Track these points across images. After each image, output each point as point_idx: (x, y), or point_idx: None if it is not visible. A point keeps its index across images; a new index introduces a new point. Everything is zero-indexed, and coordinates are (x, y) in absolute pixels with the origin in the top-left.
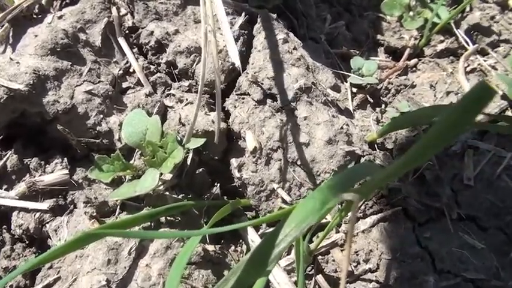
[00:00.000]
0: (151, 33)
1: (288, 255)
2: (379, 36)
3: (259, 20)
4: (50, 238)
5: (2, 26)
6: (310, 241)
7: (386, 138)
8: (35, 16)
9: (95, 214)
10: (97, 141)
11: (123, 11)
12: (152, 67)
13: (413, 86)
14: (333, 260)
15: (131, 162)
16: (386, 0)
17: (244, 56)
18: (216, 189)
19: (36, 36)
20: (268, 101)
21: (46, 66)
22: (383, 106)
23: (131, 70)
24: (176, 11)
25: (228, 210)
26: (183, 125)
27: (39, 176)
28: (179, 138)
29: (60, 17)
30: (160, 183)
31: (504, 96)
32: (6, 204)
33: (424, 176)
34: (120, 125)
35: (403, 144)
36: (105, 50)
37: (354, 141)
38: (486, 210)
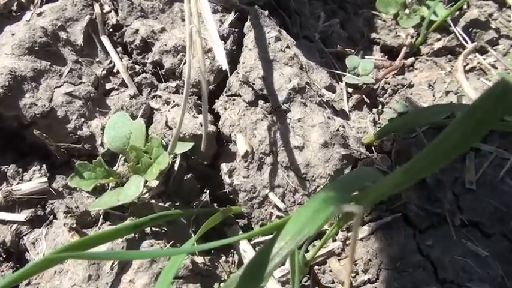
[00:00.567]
0: (136, 31)
1: (282, 265)
2: (374, 35)
3: (250, 17)
4: (28, 252)
5: None
6: (306, 250)
7: (383, 140)
8: (13, 14)
9: (74, 226)
10: (78, 146)
11: (106, 8)
12: (137, 67)
13: (411, 86)
14: (330, 270)
15: (114, 168)
16: None
17: (235, 55)
18: (205, 197)
19: (13, 34)
20: (260, 102)
21: (23, 67)
22: (380, 107)
23: (115, 70)
24: (163, 8)
25: (218, 219)
26: (170, 128)
27: (17, 184)
28: (165, 143)
29: (39, 14)
30: (145, 190)
31: None
32: None
33: (424, 180)
34: (103, 129)
35: (402, 146)
36: (87, 49)
37: (350, 143)
38: (489, 216)
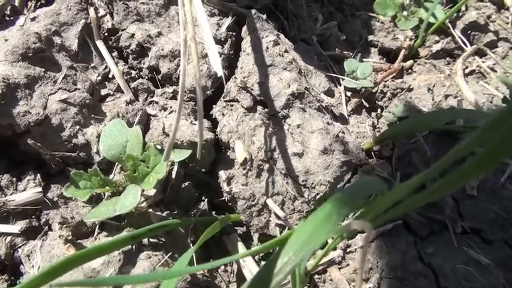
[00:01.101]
0: (132, 35)
1: None
2: (372, 37)
3: (247, 20)
4: (23, 264)
5: None
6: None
7: (383, 145)
8: (7, 18)
9: (70, 238)
10: (73, 154)
11: (101, 12)
12: (133, 72)
13: (410, 90)
14: (331, 280)
15: (110, 177)
16: None
17: (233, 60)
18: (204, 205)
19: (6, 40)
20: (259, 108)
21: (17, 74)
22: (379, 111)
23: (110, 76)
24: (159, 11)
25: (216, 229)
26: (167, 135)
27: (11, 194)
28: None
29: (33, 19)
30: (142, 199)
31: (505, 100)
32: None
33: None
34: (98, 136)
35: (402, 152)
36: (82, 54)
37: (350, 149)
38: (490, 222)
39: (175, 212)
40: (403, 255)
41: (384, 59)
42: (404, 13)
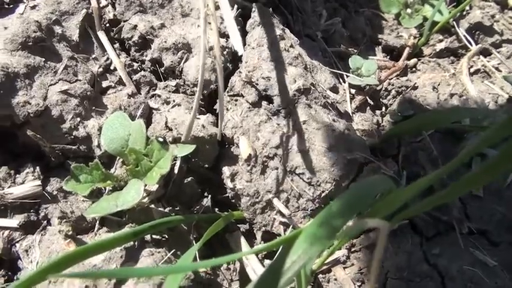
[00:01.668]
0: (135, 27)
1: None
2: (376, 35)
3: (253, 14)
4: (21, 259)
5: None
6: None
7: (388, 143)
8: (6, 6)
9: (70, 233)
10: (73, 147)
11: (103, 2)
12: (135, 64)
13: (414, 88)
14: (335, 279)
15: (112, 171)
16: None
17: (236, 54)
18: (207, 201)
19: (6, 28)
20: (264, 103)
21: (16, 63)
22: (383, 108)
23: (112, 68)
24: (162, 3)
25: (220, 226)
26: (170, 129)
27: (8, 187)
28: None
29: (33, 7)
30: (144, 194)
31: (510, 99)
32: None
33: (431, 187)
34: (100, 129)
35: (408, 150)
36: (83, 45)
37: (356, 147)
38: (497, 223)
39: (178, 208)
40: (409, 256)
41: (388, 56)
42: (409, 11)
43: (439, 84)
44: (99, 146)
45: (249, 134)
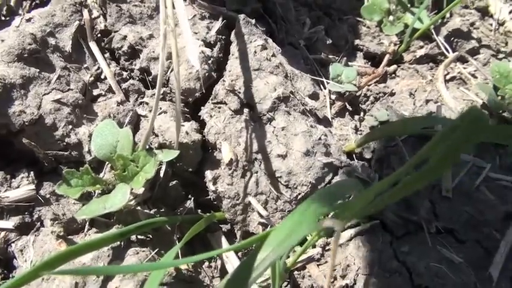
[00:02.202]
0: (124, 37)
1: None
2: (358, 41)
3: (237, 25)
4: (16, 259)
5: None
6: (287, 256)
7: (364, 147)
8: (2, 18)
9: (62, 234)
10: (65, 153)
11: (95, 14)
12: (125, 73)
13: (392, 94)
14: (309, 276)
15: (101, 175)
16: (366, 4)
17: (221, 62)
18: (190, 203)
19: (2, 41)
20: (245, 110)
21: (12, 74)
22: (361, 114)
23: (103, 76)
24: (151, 14)
25: (201, 226)
26: (156, 135)
27: (5, 191)
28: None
29: (28, 20)
30: (131, 197)
31: (484, 106)
32: None
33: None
34: (90, 136)
35: (381, 155)
36: (76, 55)
37: (332, 151)
38: (464, 223)
39: (163, 209)
40: (380, 253)
41: (369, 63)
42: (391, 18)
43: (415, 91)
44: (89, 151)
45: (231, 140)
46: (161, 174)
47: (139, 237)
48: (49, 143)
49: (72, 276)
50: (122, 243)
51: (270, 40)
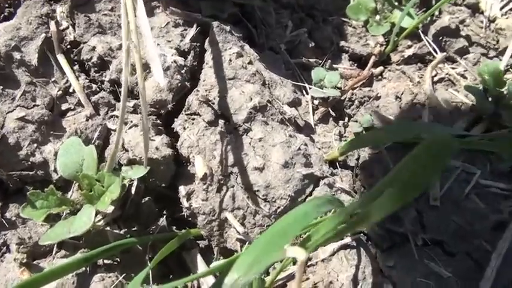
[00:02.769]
0: (93, 48)
1: None
2: (343, 43)
3: (211, 32)
4: None
5: None
6: (267, 273)
7: (348, 155)
8: None
9: (25, 261)
10: (31, 173)
11: (64, 24)
12: (94, 86)
13: (377, 98)
14: None
15: (68, 195)
16: (352, 3)
17: (196, 71)
18: (163, 221)
19: None
20: (220, 121)
21: None
22: (346, 119)
23: (71, 90)
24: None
25: (174, 245)
26: (127, 150)
27: None
28: (118, 167)
29: None
30: (99, 217)
31: (473, 108)
32: None
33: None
34: (56, 154)
35: (365, 163)
36: (43, 68)
37: (312, 162)
38: (453, 234)
39: (135, 228)
40: (364, 269)
41: (355, 64)
42: (377, 17)
43: (402, 93)
44: (55, 170)
45: (205, 153)
46: (133, 191)
47: (105, 261)
48: (13, 163)
49: None
50: (88, 268)
51: (246, 47)
